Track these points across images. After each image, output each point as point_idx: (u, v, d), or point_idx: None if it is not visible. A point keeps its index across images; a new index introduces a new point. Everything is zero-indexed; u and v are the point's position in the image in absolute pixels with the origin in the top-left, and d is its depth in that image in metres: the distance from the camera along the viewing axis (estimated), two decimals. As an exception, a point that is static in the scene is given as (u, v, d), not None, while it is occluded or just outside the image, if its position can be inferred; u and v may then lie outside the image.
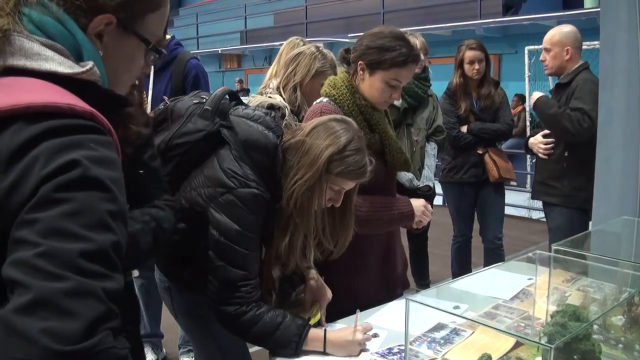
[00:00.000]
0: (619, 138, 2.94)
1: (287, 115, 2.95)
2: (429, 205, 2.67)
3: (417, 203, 2.62)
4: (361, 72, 2.46)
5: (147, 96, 3.62)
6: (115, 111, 1.13)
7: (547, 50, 3.95)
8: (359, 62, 2.45)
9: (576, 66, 3.89)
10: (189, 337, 2.47)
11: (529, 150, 4.20)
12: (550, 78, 9.69)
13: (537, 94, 4.07)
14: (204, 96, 2.20)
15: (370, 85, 2.46)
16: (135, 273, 3.85)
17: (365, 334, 2.10)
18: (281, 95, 3.11)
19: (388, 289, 2.73)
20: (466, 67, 4.59)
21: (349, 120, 2.14)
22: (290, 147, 2.05)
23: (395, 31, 2.45)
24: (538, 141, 3.99)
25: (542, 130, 4.04)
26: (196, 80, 3.74)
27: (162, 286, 2.32)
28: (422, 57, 4.35)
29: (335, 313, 2.35)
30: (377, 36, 2.43)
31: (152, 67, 3.61)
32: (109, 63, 1.15)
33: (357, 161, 2.03)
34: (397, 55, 2.38)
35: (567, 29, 3.94)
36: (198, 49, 19.92)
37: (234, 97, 2.23)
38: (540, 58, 4.09)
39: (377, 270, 2.65)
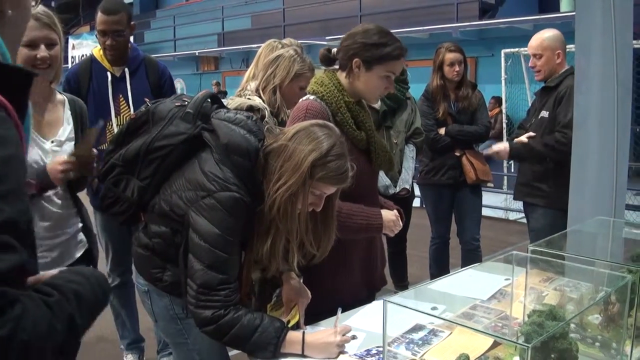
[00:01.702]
0: (594, 139, 2.97)
1: (266, 116, 2.96)
2: (399, 220, 2.67)
3: (388, 215, 2.62)
4: (357, 69, 2.49)
5: (124, 99, 3.60)
6: (24, 86, 1.03)
7: (537, 56, 3.97)
8: (355, 59, 2.48)
9: (563, 70, 3.93)
10: (168, 341, 2.45)
11: None
12: (527, 81, 9.83)
13: (502, 150, 4.06)
14: (186, 99, 2.20)
15: (367, 80, 2.49)
16: (115, 282, 3.86)
17: (344, 335, 2.10)
18: (260, 97, 3.11)
19: (369, 289, 2.74)
20: (446, 69, 4.61)
21: (331, 125, 2.14)
22: (272, 151, 2.05)
23: (381, 27, 2.51)
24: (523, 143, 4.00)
25: (524, 133, 4.05)
26: (171, 82, 3.85)
27: (141, 290, 2.30)
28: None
29: (318, 313, 2.35)
30: (369, 33, 2.47)
31: (127, 70, 3.60)
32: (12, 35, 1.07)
33: (339, 166, 2.03)
34: (393, 49, 2.45)
35: (551, 33, 3.97)
36: (175, 51, 19.85)
37: (216, 101, 2.24)
38: (530, 64, 4.11)
39: (360, 270, 2.66)
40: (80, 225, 2.59)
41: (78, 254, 2.56)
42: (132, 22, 3.65)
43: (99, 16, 3.54)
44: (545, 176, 3.91)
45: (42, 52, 2.23)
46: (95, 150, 2.47)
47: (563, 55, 3.94)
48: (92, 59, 3.70)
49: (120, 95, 3.62)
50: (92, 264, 2.63)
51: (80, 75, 3.65)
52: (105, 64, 3.66)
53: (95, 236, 2.66)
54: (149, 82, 3.72)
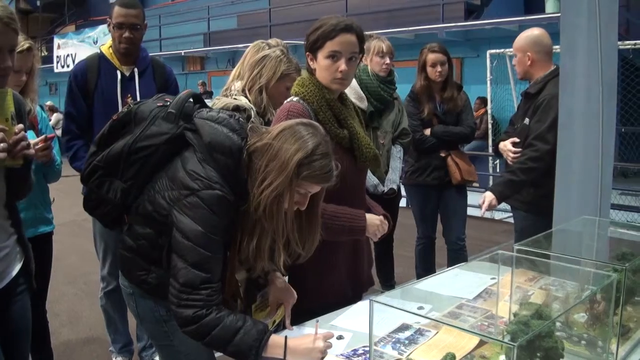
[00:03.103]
0: (579, 140, 2.99)
1: (252, 116, 2.95)
2: (383, 225, 2.67)
3: (373, 219, 2.63)
4: (311, 62, 2.53)
5: (133, 99, 3.60)
6: None
7: (515, 54, 3.96)
8: (307, 54, 2.54)
9: (545, 74, 3.83)
10: (154, 343, 2.43)
11: (498, 153, 4.17)
12: (512, 81, 9.89)
13: (489, 199, 3.85)
14: (168, 99, 2.19)
15: (319, 68, 2.52)
16: (110, 286, 3.83)
17: (326, 341, 2.06)
18: (247, 97, 3.10)
19: (355, 288, 2.74)
20: (429, 70, 4.62)
21: (315, 124, 2.13)
22: (257, 150, 2.03)
23: (330, 16, 2.53)
24: (507, 149, 3.94)
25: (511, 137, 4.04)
26: (176, 85, 3.89)
27: (126, 292, 2.28)
28: (388, 60, 4.38)
29: (303, 313, 2.34)
30: (312, 25, 2.52)
31: (135, 70, 3.61)
32: None
33: (324, 165, 2.01)
34: (325, 28, 2.46)
35: (528, 33, 3.91)
36: (161, 50, 19.76)
37: (198, 100, 2.22)
38: (513, 62, 4.10)
39: (345, 270, 2.66)
40: (16, 237, 2.42)
41: (16, 270, 2.41)
42: (145, 22, 3.67)
43: (117, 10, 3.55)
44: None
45: (7, 61, 2.13)
46: (21, 134, 2.17)
47: (535, 57, 3.83)
48: (100, 56, 3.69)
49: (129, 95, 3.61)
50: (29, 279, 2.48)
51: (88, 71, 3.65)
52: (115, 62, 3.66)
53: (30, 249, 2.55)
54: (156, 83, 3.74)
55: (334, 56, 2.46)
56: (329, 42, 2.45)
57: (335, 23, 2.44)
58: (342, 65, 2.47)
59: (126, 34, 3.56)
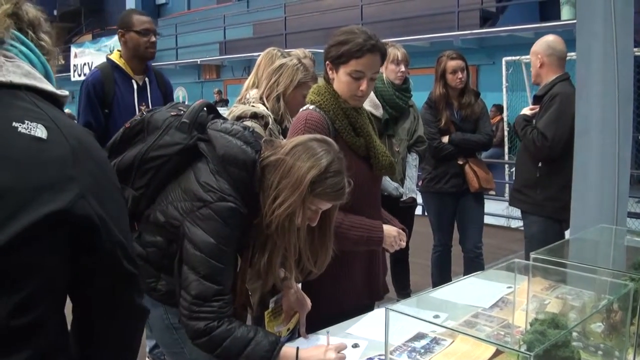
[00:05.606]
0: (595, 147, 2.97)
1: (270, 123, 2.97)
2: (400, 237, 2.67)
3: (390, 231, 2.63)
4: (330, 71, 2.53)
5: (147, 107, 3.71)
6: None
7: (531, 59, 4.05)
8: (326, 62, 2.53)
9: (553, 78, 3.92)
10: (164, 351, 2.42)
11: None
12: (528, 88, 9.85)
13: (524, 111, 4.17)
14: (182, 108, 2.18)
15: (338, 81, 2.51)
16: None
17: (338, 352, 2.05)
18: (264, 104, 3.12)
19: (371, 296, 2.74)
20: (449, 77, 4.62)
21: (329, 140, 2.12)
22: (270, 164, 2.03)
23: (352, 27, 2.53)
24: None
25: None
26: (172, 91, 4.13)
27: None
28: (403, 68, 4.39)
29: (319, 320, 2.34)
30: (336, 34, 2.50)
31: (147, 80, 3.76)
32: None
33: (336, 183, 2.01)
34: (352, 46, 2.42)
35: (544, 38, 4.02)
36: (177, 59, 19.89)
37: (212, 110, 2.22)
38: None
39: (361, 278, 2.66)
40: None
41: None
42: None
43: (139, 18, 3.79)
44: (535, 183, 3.91)
45: None
46: None
47: (545, 61, 3.93)
48: (113, 66, 3.83)
49: (143, 103, 3.75)
50: None
51: (105, 82, 3.77)
52: (129, 71, 3.81)
53: None
54: (161, 91, 3.94)
55: (357, 76, 2.45)
56: (353, 61, 2.44)
57: (362, 42, 2.42)
58: (363, 85, 2.47)
59: (153, 39, 3.76)
